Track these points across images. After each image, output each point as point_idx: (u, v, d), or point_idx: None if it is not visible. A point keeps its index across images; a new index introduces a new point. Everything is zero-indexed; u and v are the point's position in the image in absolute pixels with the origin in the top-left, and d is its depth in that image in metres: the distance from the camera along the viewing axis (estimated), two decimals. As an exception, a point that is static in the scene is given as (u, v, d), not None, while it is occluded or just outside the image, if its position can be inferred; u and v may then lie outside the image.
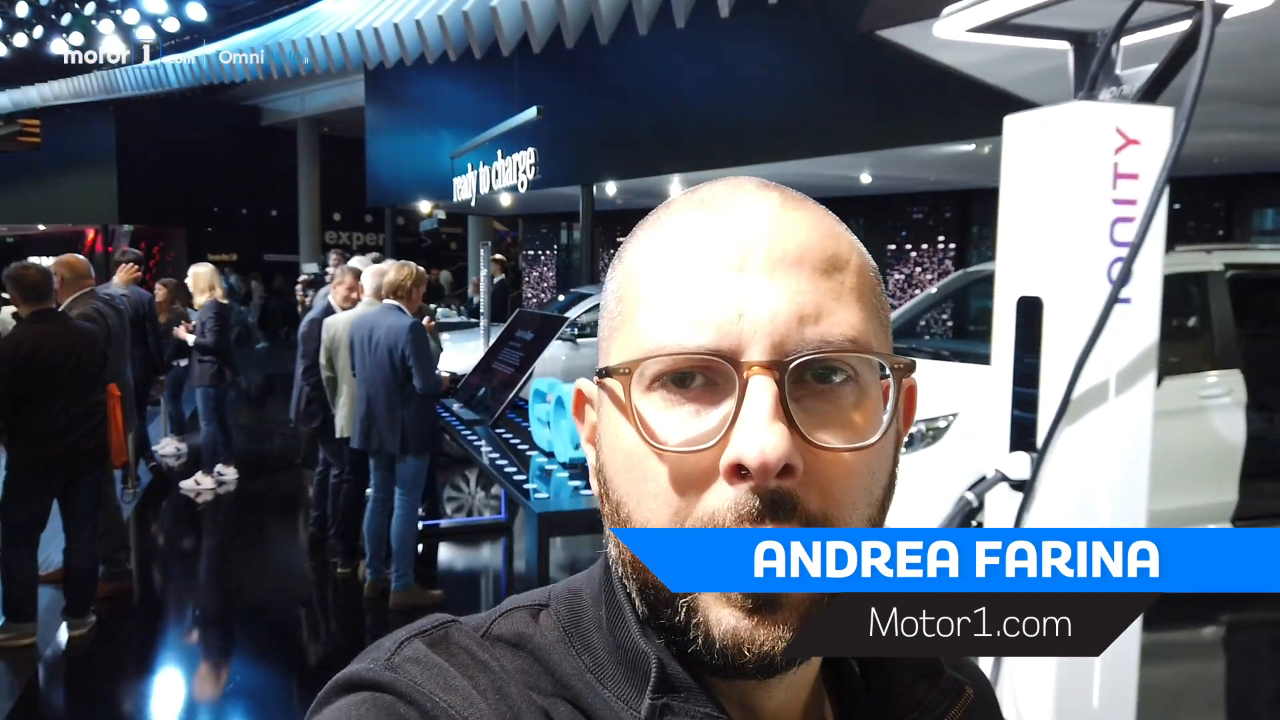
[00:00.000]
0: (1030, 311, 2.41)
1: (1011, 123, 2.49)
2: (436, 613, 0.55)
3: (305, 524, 5.98)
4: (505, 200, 13.36)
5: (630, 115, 10.02)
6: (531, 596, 0.58)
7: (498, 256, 11.68)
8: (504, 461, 3.76)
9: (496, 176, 10.55)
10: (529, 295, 18.88)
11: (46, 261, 4.70)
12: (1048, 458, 2.33)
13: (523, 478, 3.44)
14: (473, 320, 9.54)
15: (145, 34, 17.22)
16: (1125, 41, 2.45)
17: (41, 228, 23.57)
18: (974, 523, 2.79)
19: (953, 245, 13.13)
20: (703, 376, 0.49)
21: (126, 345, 5.32)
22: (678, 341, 0.49)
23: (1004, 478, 2.49)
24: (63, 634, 4.24)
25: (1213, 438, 4.92)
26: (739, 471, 0.47)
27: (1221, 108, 6.44)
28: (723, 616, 0.48)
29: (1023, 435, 2.45)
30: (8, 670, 3.94)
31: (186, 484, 6.94)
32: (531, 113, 7.73)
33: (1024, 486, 2.40)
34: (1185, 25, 2.30)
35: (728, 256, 0.50)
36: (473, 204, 11.61)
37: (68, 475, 4.04)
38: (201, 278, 6.61)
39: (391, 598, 4.61)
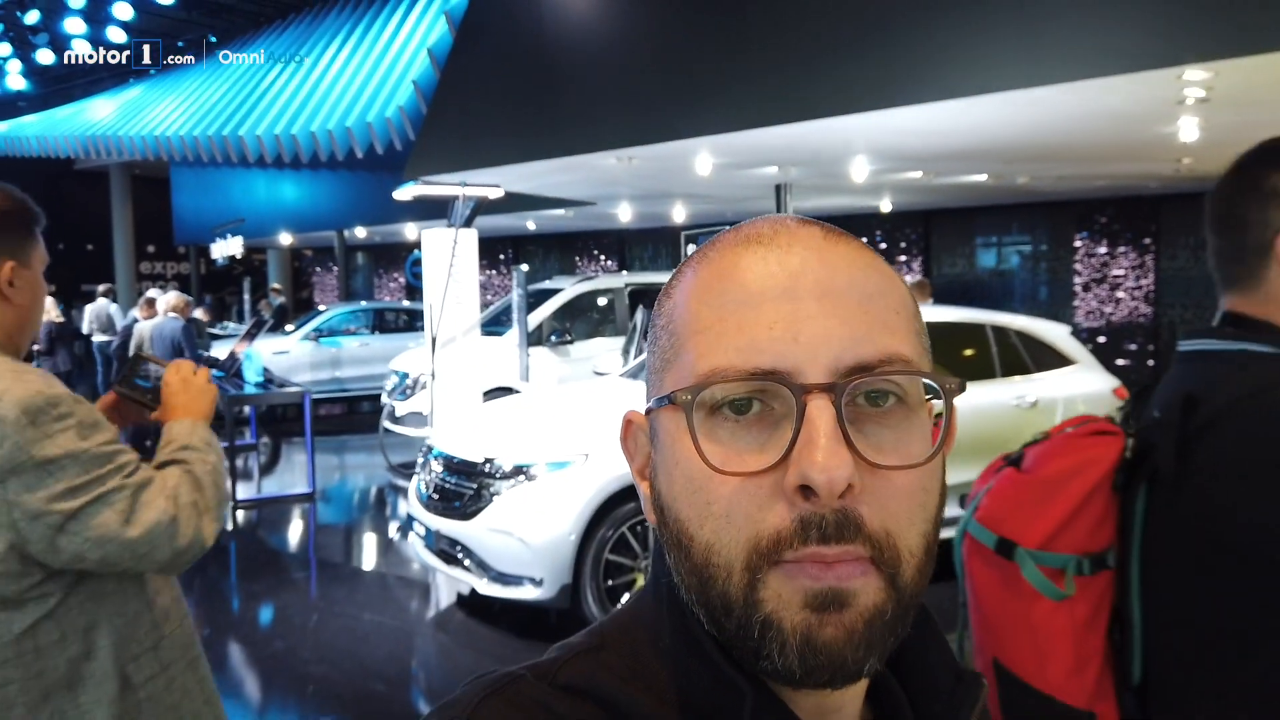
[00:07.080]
0: (431, 309, 7.16)
1: (425, 234, 7.29)
2: (502, 668, 0.56)
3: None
4: (284, 239, 17.50)
5: (364, 183, 14.54)
6: (584, 641, 0.58)
7: (276, 286, 15.86)
8: (226, 386, 8.16)
9: (227, 247, 15.49)
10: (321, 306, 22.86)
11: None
12: (437, 357, 7.18)
13: (229, 388, 7.89)
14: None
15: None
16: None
17: None
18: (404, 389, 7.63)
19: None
20: (760, 404, 0.50)
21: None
22: (735, 365, 0.50)
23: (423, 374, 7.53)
24: None
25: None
26: (804, 492, 0.48)
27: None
28: (796, 622, 0.49)
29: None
30: None
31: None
32: (241, 220, 12.73)
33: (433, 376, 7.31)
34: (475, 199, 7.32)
35: (779, 284, 0.51)
36: (221, 260, 16.53)
37: None
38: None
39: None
